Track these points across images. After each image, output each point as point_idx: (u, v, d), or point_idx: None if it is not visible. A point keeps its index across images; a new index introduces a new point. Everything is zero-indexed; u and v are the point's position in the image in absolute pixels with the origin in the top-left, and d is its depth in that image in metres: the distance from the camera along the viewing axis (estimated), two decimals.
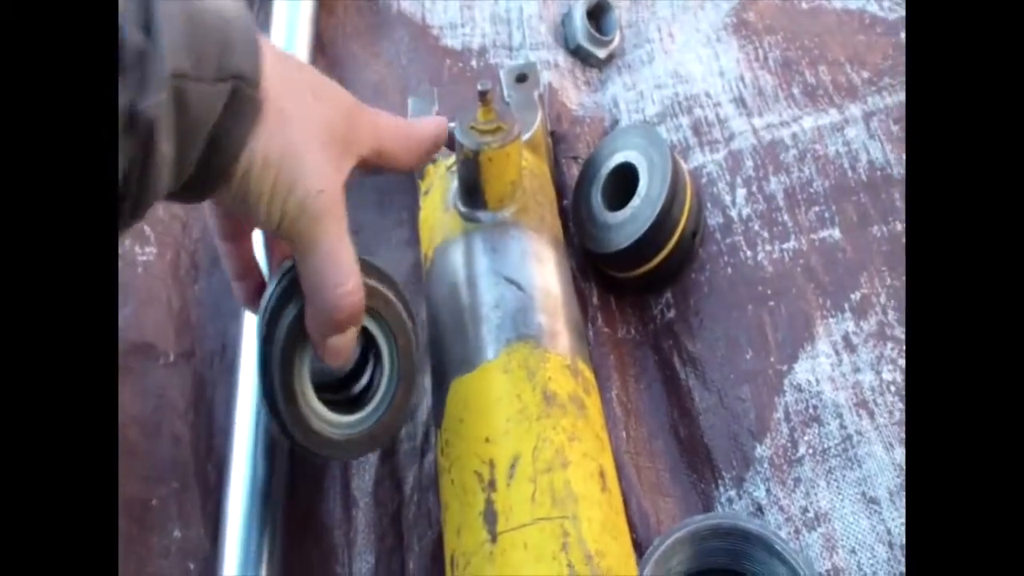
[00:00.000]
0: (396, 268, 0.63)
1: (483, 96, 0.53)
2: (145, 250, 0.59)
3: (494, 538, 0.42)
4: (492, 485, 0.43)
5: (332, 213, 0.39)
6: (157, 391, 0.55)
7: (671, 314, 0.61)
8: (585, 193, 0.64)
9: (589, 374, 0.50)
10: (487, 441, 0.45)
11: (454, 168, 0.57)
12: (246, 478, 0.53)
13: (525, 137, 0.60)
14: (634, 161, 0.62)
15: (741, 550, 0.49)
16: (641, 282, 0.62)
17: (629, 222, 0.60)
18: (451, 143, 0.60)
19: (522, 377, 0.47)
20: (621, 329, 0.62)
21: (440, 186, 0.58)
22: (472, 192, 0.54)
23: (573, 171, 0.67)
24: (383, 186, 0.67)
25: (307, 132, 0.38)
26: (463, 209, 0.55)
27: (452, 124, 0.51)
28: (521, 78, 0.65)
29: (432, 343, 0.53)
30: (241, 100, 0.35)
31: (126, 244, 0.59)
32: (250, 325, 0.57)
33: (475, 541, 0.42)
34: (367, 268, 0.43)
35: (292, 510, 0.53)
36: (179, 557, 0.52)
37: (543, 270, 0.53)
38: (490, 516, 0.42)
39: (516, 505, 0.42)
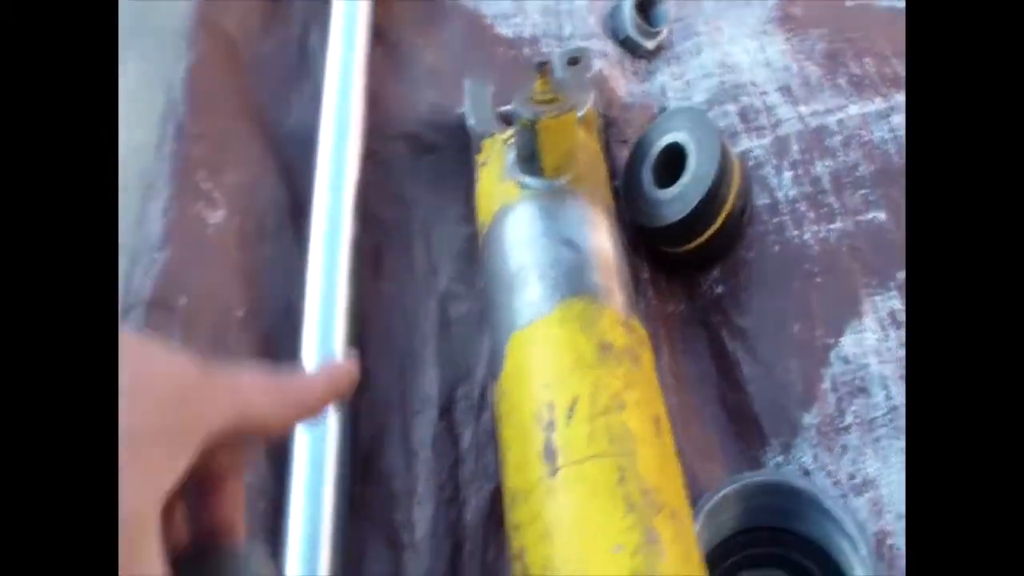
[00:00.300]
0: (451, 242, 0.66)
1: (541, 67, 0.55)
2: (215, 213, 0.62)
3: (553, 472, 0.44)
4: (551, 425, 0.45)
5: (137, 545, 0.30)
6: (225, 345, 0.58)
7: (720, 289, 0.63)
8: (635, 172, 0.66)
9: (642, 332, 0.52)
10: (545, 386, 0.47)
11: (511, 141, 0.59)
12: (309, 434, 0.55)
13: (579, 114, 0.62)
14: (683, 141, 0.64)
15: (790, 508, 0.51)
16: (691, 258, 0.64)
17: (679, 198, 0.62)
18: (508, 120, 0.64)
19: (578, 329, 0.49)
20: (671, 304, 0.65)
21: (498, 158, 0.61)
22: (530, 160, 0.57)
23: (623, 154, 0.70)
24: (439, 166, 0.70)
25: None
26: (520, 178, 0.57)
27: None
28: (573, 61, 0.68)
29: (489, 304, 0.55)
30: None
31: (196, 208, 0.62)
32: (313, 287, 0.60)
33: (534, 477, 0.44)
34: None
35: (354, 457, 0.55)
36: (250, 498, 0.54)
37: (598, 234, 0.55)
38: (549, 453, 0.45)
39: (574, 443, 0.44)
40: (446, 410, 0.58)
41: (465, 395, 0.59)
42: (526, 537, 0.44)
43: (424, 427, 0.58)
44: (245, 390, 0.35)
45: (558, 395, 0.46)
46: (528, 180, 0.57)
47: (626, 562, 0.40)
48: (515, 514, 0.45)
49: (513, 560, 0.45)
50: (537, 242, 0.54)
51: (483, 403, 0.58)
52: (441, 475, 0.56)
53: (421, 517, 0.55)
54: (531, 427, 0.46)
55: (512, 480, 0.47)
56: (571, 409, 0.46)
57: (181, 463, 0.31)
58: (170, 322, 0.58)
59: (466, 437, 0.57)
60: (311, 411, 0.37)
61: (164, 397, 0.32)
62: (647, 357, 0.51)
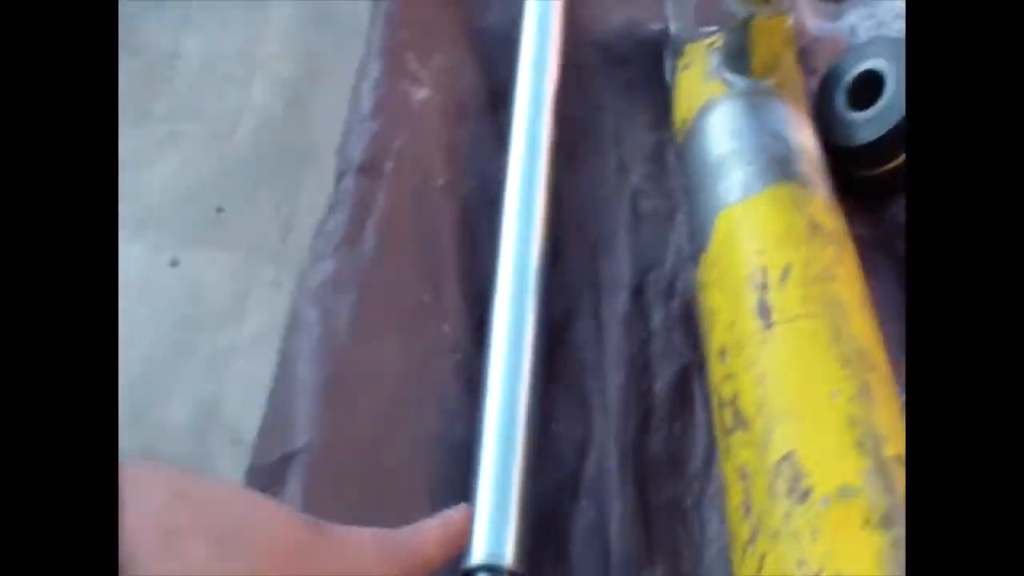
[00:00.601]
0: (642, 145, 0.69)
1: None
2: (420, 91, 0.67)
3: (768, 327, 0.47)
4: (764, 287, 0.48)
5: None
6: (426, 207, 0.63)
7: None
8: (828, 95, 0.68)
9: (845, 225, 0.55)
10: (759, 253, 0.50)
11: (716, 46, 0.62)
12: (510, 295, 0.59)
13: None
14: (881, 68, 0.66)
15: None
16: (880, 182, 0.66)
17: (875, 120, 0.64)
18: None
19: (789, 207, 0.52)
20: (856, 228, 0.66)
21: (701, 61, 0.64)
22: (739, 58, 0.60)
23: (811, 84, 0.72)
24: (630, 77, 0.73)
25: None
26: (727, 76, 0.60)
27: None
28: None
29: (691, 190, 0.58)
30: None
31: (403, 85, 0.67)
32: (514, 164, 0.64)
33: (748, 330, 0.47)
34: None
35: (547, 324, 0.59)
36: (447, 349, 0.59)
37: (802, 132, 0.58)
38: (763, 310, 0.47)
39: (789, 303, 0.47)
40: (637, 292, 0.62)
41: (655, 281, 0.62)
42: (739, 383, 0.47)
43: (615, 305, 0.61)
44: (355, 554, 0.34)
45: (771, 261, 0.49)
46: (734, 79, 0.60)
47: (843, 406, 0.43)
48: (726, 366, 0.48)
49: (722, 408, 0.48)
50: (744, 132, 0.57)
51: (672, 291, 0.62)
52: (631, 348, 0.59)
53: (611, 384, 0.58)
54: (743, 289, 0.49)
55: (722, 338, 0.50)
56: (784, 274, 0.49)
57: None
58: (377, 185, 0.63)
59: (656, 318, 0.61)
60: (427, 572, 0.36)
61: (270, 553, 0.31)
62: (851, 246, 0.53)
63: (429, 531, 0.37)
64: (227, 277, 1.77)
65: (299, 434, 0.57)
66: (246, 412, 1.68)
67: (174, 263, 1.78)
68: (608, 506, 0.55)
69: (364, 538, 0.35)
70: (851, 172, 0.67)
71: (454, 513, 0.39)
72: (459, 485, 0.55)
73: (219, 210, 1.83)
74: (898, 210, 0.66)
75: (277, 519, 0.33)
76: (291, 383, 0.59)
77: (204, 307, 1.74)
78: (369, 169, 0.64)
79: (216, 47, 2.04)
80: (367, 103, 0.66)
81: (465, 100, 0.69)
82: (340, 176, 0.64)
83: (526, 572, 0.52)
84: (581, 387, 0.59)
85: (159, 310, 1.72)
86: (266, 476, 0.57)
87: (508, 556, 0.51)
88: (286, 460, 0.56)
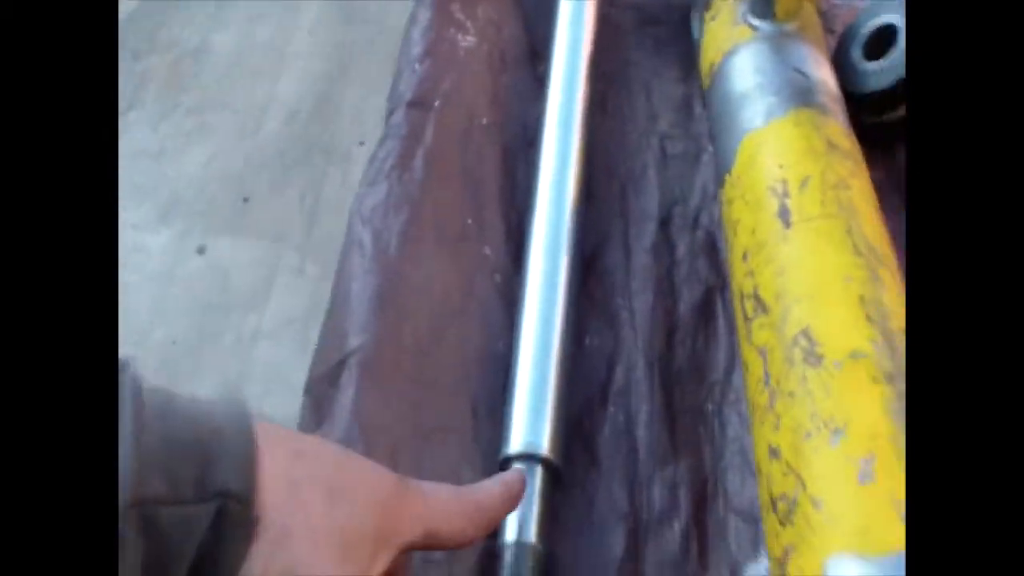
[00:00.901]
0: (670, 96, 0.75)
1: None
2: (467, 39, 0.74)
3: (788, 226, 0.52)
4: (786, 194, 0.54)
5: None
6: (471, 142, 0.68)
7: None
8: (845, 49, 0.74)
9: (859, 148, 0.60)
10: (780, 167, 0.56)
11: None
12: (547, 224, 0.65)
13: None
14: (895, 22, 0.72)
15: None
16: (893, 128, 0.72)
17: (889, 69, 0.70)
18: None
19: (810, 128, 0.57)
20: (871, 171, 0.72)
21: (728, 11, 0.70)
22: (764, 4, 0.66)
23: (830, 43, 0.78)
24: (660, 35, 0.79)
25: (317, 544, 0.34)
26: (753, 20, 0.66)
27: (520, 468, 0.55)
28: None
29: (717, 121, 0.64)
30: (229, 520, 0.32)
31: (451, 32, 0.73)
32: (552, 109, 0.70)
33: (770, 231, 0.53)
34: None
35: (581, 252, 0.65)
36: (489, 270, 0.64)
37: (823, 70, 0.64)
38: (784, 213, 0.53)
39: (807, 207, 0.53)
40: (664, 223, 0.67)
41: (681, 214, 0.68)
42: (759, 277, 0.52)
43: (644, 235, 0.67)
44: (435, 507, 0.39)
45: (791, 174, 0.55)
46: (759, 23, 0.66)
47: (854, 288, 0.48)
48: (747, 265, 0.54)
49: (743, 300, 0.53)
50: (768, 68, 0.63)
51: (697, 223, 0.67)
52: (659, 273, 0.65)
53: (640, 304, 0.64)
54: (765, 198, 0.55)
55: (744, 242, 0.55)
56: (803, 184, 0.54)
57: (378, 567, 0.36)
58: (426, 119, 0.70)
59: (681, 247, 0.66)
60: (491, 526, 0.42)
61: (370, 503, 0.36)
62: (864, 166, 0.59)
63: (492, 488, 0.42)
64: (252, 265, 1.83)
65: (352, 339, 0.62)
66: (270, 394, 1.73)
67: (201, 250, 1.85)
68: (635, 411, 0.60)
69: (441, 492, 0.40)
70: (865, 120, 0.73)
71: (511, 476, 0.44)
72: (498, 394, 0.61)
73: (245, 200, 1.90)
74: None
75: (374, 474, 0.38)
76: (346, 298, 0.65)
77: (229, 294, 1.80)
78: (419, 104, 0.70)
79: (245, 42, 2.11)
80: (417, 48, 0.73)
81: (507, 50, 0.76)
82: (390, 112, 0.70)
83: (560, 464, 0.57)
84: (611, 307, 0.64)
85: (186, 296, 1.79)
86: (324, 383, 0.62)
87: (544, 447, 0.57)
88: (341, 365, 0.62)
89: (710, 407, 0.59)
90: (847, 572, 0.39)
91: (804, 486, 0.42)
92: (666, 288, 0.64)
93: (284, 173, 1.93)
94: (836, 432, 0.43)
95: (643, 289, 0.64)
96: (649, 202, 0.69)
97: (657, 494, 0.57)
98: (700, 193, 0.68)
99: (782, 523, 0.43)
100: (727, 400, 0.59)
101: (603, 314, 0.64)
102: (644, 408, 0.60)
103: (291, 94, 2.03)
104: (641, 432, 0.59)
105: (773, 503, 0.44)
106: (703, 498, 0.56)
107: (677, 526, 0.56)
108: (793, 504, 0.42)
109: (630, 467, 0.58)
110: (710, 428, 0.59)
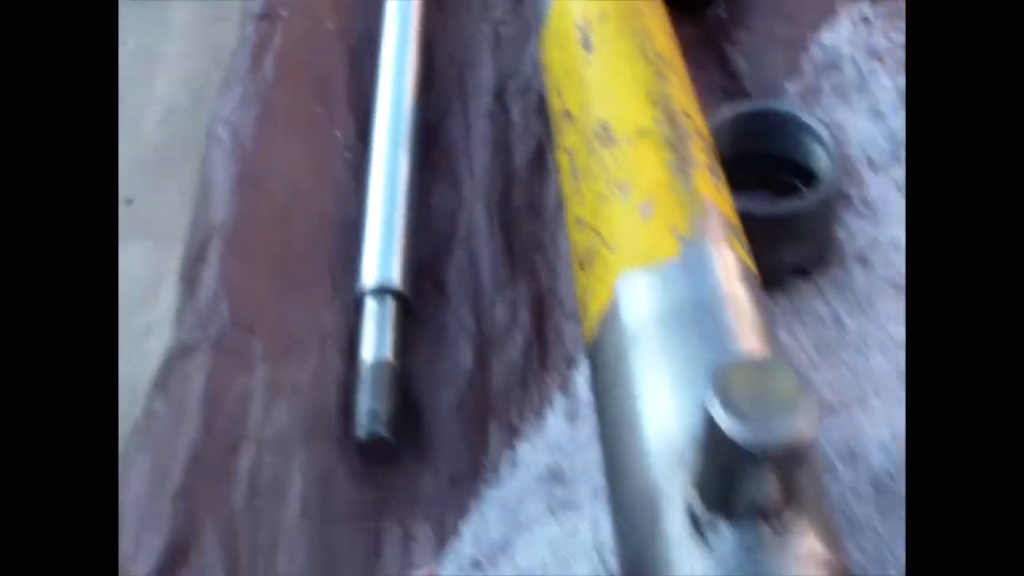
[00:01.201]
0: None
1: None
2: None
3: (589, 51, 0.60)
4: (588, 28, 0.61)
5: None
6: (318, 44, 0.75)
7: (724, 15, 0.79)
8: None
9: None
10: (584, 11, 0.63)
11: None
12: (390, 104, 0.72)
13: None
14: None
15: (775, 131, 0.67)
16: None
17: None
18: None
19: None
20: (684, 28, 0.80)
21: None
22: None
23: None
24: None
25: None
26: None
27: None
28: None
29: None
30: None
31: None
32: (390, 10, 0.77)
33: (575, 60, 0.60)
34: None
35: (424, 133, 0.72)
36: (339, 150, 0.71)
37: None
38: (586, 43, 0.60)
39: (606, 35, 0.60)
40: (499, 94, 0.75)
41: (515, 85, 0.75)
42: (568, 96, 0.60)
43: (481, 105, 0.74)
44: None
45: (593, 13, 0.63)
46: None
47: (643, 85, 0.56)
48: (563, 100, 0.61)
49: (557, 120, 0.60)
50: None
51: (529, 89, 0.75)
52: (495, 135, 0.72)
53: (478, 162, 0.71)
54: (571, 36, 0.62)
55: (557, 77, 0.63)
56: (602, 17, 0.62)
57: None
58: (275, 29, 0.77)
59: (515, 111, 0.74)
60: None
61: None
62: (662, 10, 0.67)
63: None
64: (139, 264, 1.86)
65: (215, 218, 0.68)
66: None
67: None
68: (478, 251, 0.68)
69: None
70: None
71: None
72: (353, 259, 0.67)
73: (129, 202, 1.93)
74: (718, 12, 0.79)
75: None
76: (209, 187, 0.71)
77: (119, 292, 1.82)
78: (268, 16, 0.77)
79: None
80: None
81: None
82: (242, 26, 0.77)
83: (411, 296, 0.64)
84: (453, 168, 0.72)
85: None
86: (191, 263, 0.68)
87: (395, 281, 0.64)
88: (206, 242, 0.68)
89: (545, 236, 0.67)
90: (632, 281, 0.46)
91: (601, 236, 0.50)
92: (502, 146, 0.72)
93: (165, 170, 1.96)
94: (624, 188, 0.50)
95: (481, 149, 0.72)
96: (485, 78, 0.76)
97: (499, 313, 0.64)
98: (530, 65, 0.76)
99: (584, 270, 0.50)
100: (560, 229, 0.67)
101: (446, 176, 0.71)
102: (486, 247, 0.67)
103: (166, 94, 2.06)
104: (485, 267, 0.66)
105: (581, 263, 0.52)
106: (541, 311, 0.64)
107: (519, 337, 0.63)
108: (593, 253, 0.50)
109: (476, 295, 0.65)
110: (545, 255, 0.66)
